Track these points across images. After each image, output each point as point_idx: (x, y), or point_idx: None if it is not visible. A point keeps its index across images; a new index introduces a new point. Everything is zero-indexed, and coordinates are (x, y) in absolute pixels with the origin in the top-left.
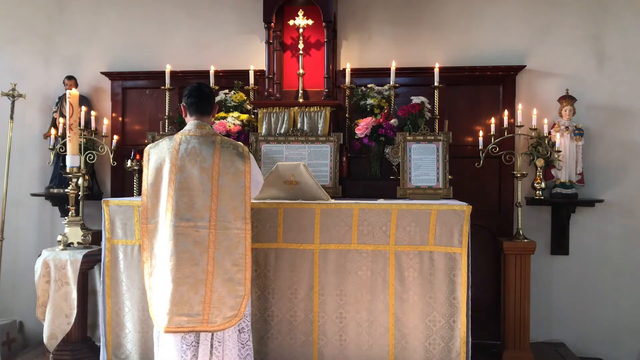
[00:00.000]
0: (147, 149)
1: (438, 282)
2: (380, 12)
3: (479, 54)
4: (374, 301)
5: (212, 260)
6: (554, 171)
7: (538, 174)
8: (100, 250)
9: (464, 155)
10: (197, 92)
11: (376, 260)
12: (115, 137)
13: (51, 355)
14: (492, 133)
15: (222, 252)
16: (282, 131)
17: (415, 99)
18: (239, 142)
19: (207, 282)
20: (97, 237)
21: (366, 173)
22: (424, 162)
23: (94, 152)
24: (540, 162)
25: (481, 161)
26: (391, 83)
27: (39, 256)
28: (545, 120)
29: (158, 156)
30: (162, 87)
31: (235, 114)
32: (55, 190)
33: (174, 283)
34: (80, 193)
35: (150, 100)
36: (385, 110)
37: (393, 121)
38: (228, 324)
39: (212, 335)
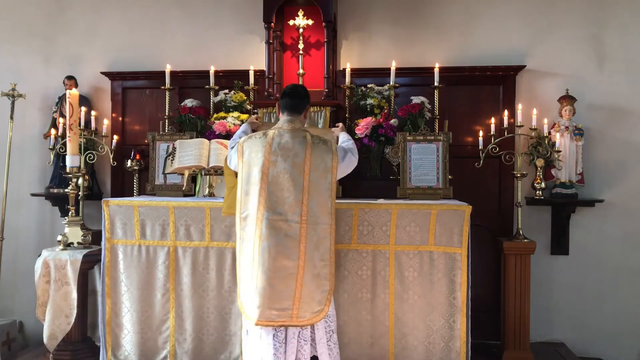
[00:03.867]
0: (240, 141)
1: (438, 282)
2: (380, 12)
3: (479, 54)
4: (374, 301)
5: (304, 254)
6: (554, 171)
7: (538, 174)
8: (100, 250)
9: (464, 155)
10: (292, 92)
11: (376, 260)
12: (115, 137)
13: (51, 355)
14: (492, 133)
15: (312, 247)
16: None
17: (415, 99)
18: (328, 138)
19: (298, 276)
20: (97, 237)
21: (366, 173)
22: (424, 162)
23: (94, 152)
24: (540, 162)
25: (481, 161)
26: (391, 83)
27: (39, 256)
28: (545, 120)
29: (251, 150)
30: (162, 87)
31: (235, 114)
32: (55, 190)
33: (266, 276)
34: (80, 193)
35: (150, 100)
36: (385, 110)
37: (393, 121)
38: (316, 319)
39: (300, 334)
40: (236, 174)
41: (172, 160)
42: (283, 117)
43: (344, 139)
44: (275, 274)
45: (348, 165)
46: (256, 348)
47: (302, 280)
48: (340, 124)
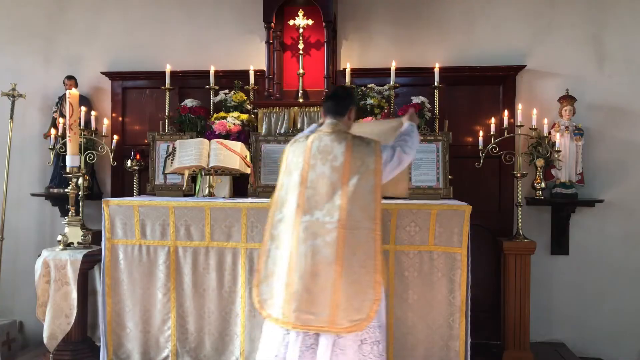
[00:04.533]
0: (288, 145)
1: (438, 281)
2: (380, 12)
3: (479, 54)
4: None
5: (341, 259)
6: (554, 171)
7: (538, 174)
8: (100, 250)
9: (464, 155)
10: (332, 94)
11: None
12: (115, 137)
13: (51, 355)
14: (492, 133)
15: (351, 252)
16: (282, 131)
17: (415, 99)
18: (372, 139)
19: (335, 282)
20: (97, 237)
21: None
22: (424, 162)
23: (94, 152)
24: (540, 162)
25: (481, 161)
26: (391, 83)
27: (39, 256)
28: (545, 120)
29: (294, 153)
30: (162, 87)
31: (235, 114)
32: (55, 190)
33: (302, 280)
34: (80, 193)
35: (150, 100)
36: (385, 110)
37: None
38: (355, 328)
39: (334, 342)
40: None
41: (172, 160)
42: (326, 121)
43: (405, 127)
44: (312, 278)
45: (400, 161)
46: (275, 349)
47: (339, 286)
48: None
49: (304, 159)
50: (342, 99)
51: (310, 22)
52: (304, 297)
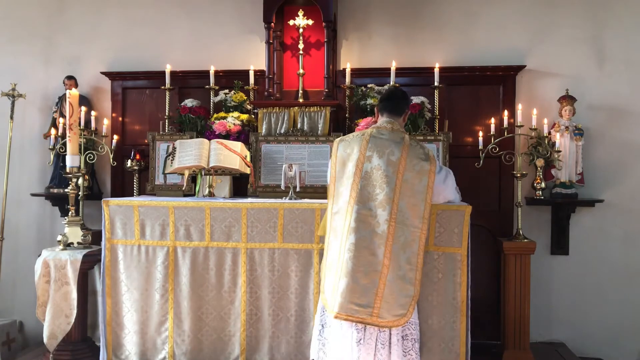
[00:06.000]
0: (336, 141)
1: (438, 282)
2: (380, 12)
3: (479, 54)
4: None
5: (390, 253)
6: (554, 171)
7: (538, 174)
8: (100, 250)
9: (464, 155)
10: (390, 94)
11: None
12: (115, 137)
13: (51, 355)
14: (492, 133)
15: (398, 248)
16: (282, 131)
17: (415, 99)
18: (426, 146)
19: (382, 274)
20: (97, 237)
21: None
22: None
23: (94, 152)
24: (540, 162)
25: (481, 161)
26: (391, 83)
27: (39, 256)
28: (545, 120)
29: (346, 147)
30: (162, 87)
31: (235, 114)
32: (55, 190)
33: (350, 269)
34: (80, 193)
35: (150, 100)
36: None
37: None
38: (396, 322)
39: (377, 336)
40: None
41: (172, 160)
42: (382, 119)
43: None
44: (360, 268)
45: (445, 178)
46: (334, 343)
47: (385, 279)
48: None
49: (359, 150)
50: (400, 100)
51: (310, 22)
52: (350, 287)
